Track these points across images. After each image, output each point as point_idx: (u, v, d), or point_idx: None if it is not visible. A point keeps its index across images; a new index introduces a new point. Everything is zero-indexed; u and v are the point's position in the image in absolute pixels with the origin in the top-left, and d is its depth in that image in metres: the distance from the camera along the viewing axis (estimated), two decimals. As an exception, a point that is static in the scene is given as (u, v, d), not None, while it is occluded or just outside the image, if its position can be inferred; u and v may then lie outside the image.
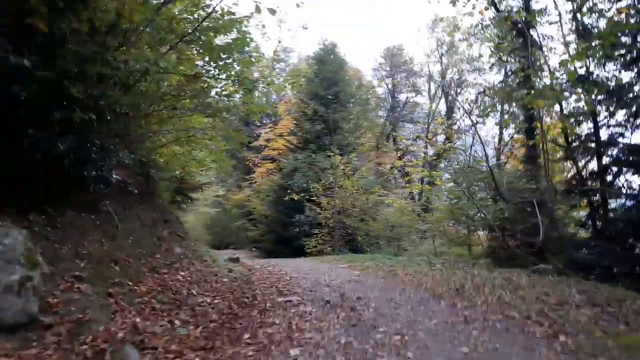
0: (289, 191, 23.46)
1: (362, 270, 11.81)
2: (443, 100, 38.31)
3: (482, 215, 16.68)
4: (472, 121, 21.45)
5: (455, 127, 31.97)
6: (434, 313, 6.27)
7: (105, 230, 5.95)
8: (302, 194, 22.98)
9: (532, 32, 15.83)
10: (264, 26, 11.61)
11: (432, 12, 47.23)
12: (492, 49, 19.37)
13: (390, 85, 38.61)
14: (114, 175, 6.14)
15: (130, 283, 5.23)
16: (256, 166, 34.77)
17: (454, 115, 36.57)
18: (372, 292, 8.12)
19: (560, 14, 14.85)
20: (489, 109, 19.25)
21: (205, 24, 8.67)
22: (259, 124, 39.69)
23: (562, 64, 12.75)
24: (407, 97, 39.55)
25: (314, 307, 6.81)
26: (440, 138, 36.02)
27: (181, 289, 6.02)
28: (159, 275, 6.04)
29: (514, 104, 18.35)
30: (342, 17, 68.24)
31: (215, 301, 6.21)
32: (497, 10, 17.35)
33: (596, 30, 13.87)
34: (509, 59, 18.17)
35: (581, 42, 13.21)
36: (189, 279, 6.71)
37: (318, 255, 21.65)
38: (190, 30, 8.50)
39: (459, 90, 37.22)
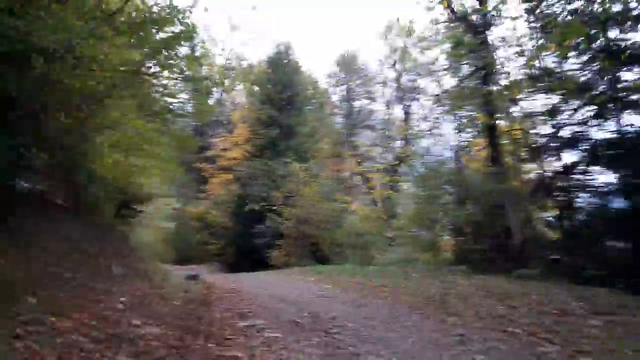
0: (247, 201, 22.44)
1: (332, 284, 11.00)
2: (399, 106, 38.22)
3: (447, 219, 16.31)
4: (430, 124, 21.29)
5: (413, 131, 32.00)
6: (423, 333, 5.52)
7: (12, 251, 4.78)
8: (262, 204, 22.00)
9: (488, 32, 15.68)
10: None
11: (386, 17, 47.29)
12: (449, 52, 19.12)
13: (345, 92, 38.19)
14: (21, 183, 4.96)
15: (50, 318, 4.18)
16: (212, 177, 33.48)
17: (410, 120, 36.55)
18: (347, 309, 7.32)
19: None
20: (445, 113, 18.99)
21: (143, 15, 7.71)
22: (211, 134, 38.46)
23: (531, 58, 12.52)
24: (362, 104, 39.27)
25: (282, 331, 5.93)
26: (398, 144, 35.98)
27: (120, 319, 4.97)
28: (91, 304, 4.96)
29: (470, 106, 18.12)
30: (296, 21, 67.86)
31: (164, 331, 5.23)
32: (453, 12, 17.07)
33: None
34: (465, 60, 17.91)
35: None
36: (131, 305, 5.67)
37: (283, 267, 20.72)
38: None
39: (414, 95, 37.26)
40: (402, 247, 19.60)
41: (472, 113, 21.33)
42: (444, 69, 20.95)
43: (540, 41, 13.55)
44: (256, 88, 27.10)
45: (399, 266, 14.80)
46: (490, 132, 16.64)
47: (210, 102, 11.07)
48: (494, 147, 16.31)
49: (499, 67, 15.35)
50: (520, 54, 14.47)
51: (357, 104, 38.81)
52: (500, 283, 8.44)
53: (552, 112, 13.24)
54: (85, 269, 5.71)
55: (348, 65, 38.37)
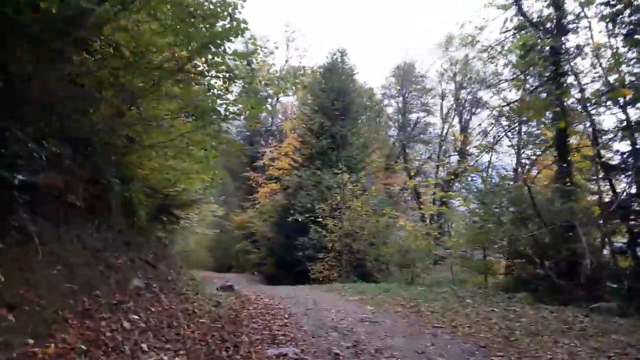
0: (292, 211, 21.56)
1: (377, 305, 9.84)
2: (456, 120, 36.61)
3: (506, 240, 14.82)
4: (491, 139, 19.77)
5: (473, 146, 30.31)
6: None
7: (16, 257, 3.99)
8: (306, 215, 21.08)
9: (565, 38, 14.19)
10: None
11: (445, 29, 45.73)
12: (516, 61, 17.65)
13: (400, 104, 36.91)
14: (19, 177, 4.20)
15: (30, 340, 3.33)
16: (260, 186, 32.97)
17: (468, 135, 34.83)
18: (393, 340, 6.19)
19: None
20: (508, 127, 17.48)
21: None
22: (262, 143, 38.07)
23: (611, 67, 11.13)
24: (418, 117, 37.81)
25: (317, 364, 4.90)
26: (454, 159, 34.35)
27: (124, 342, 4.07)
28: (92, 323, 4.08)
29: (538, 119, 16.57)
30: (350, 30, 67.30)
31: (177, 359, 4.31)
32: (525, 16, 15.66)
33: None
34: (535, 70, 16.41)
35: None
36: (144, 324, 4.78)
37: (323, 282, 19.65)
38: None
39: (473, 110, 35.62)
40: (451, 267, 18.11)
41: (537, 128, 19.76)
42: (510, 79, 19.46)
43: (622, 50, 12.08)
44: (309, 96, 26.20)
45: (450, 289, 13.43)
46: (561, 147, 15.07)
47: (260, 103, 10.20)
48: (563, 164, 14.76)
49: (573, 77, 13.84)
50: (598, 64, 12.99)
51: (412, 116, 37.46)
52: (574, 317, 7.05)
53: (632, 127, 11.66)
54: (97, 280, 4.88)
55: (405, 76, 37.15)
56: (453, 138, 36.01)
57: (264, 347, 5.61)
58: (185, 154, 10.04)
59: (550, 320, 7.10)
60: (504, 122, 19.85)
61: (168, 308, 6.13)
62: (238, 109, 9.49)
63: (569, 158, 14.63)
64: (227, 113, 9.66)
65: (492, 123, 22.47)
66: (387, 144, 34.13)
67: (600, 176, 13.65)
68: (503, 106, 16.39)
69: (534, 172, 21.94)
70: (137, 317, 4.93)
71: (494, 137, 19.80)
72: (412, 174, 31.68)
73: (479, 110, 35.63)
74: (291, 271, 22.40)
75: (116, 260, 5.94)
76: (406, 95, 37.11)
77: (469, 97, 33.60)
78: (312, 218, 20.91)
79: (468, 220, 17.10)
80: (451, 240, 17.82)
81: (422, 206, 30.13)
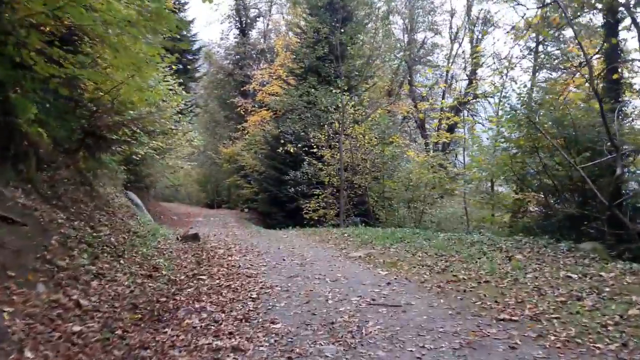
0: (282, 141, 18.26)
1: (391, 266, 6.84)
2: (467, 40, 32.47)
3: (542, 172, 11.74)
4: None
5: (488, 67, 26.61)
6: None
7: None
8: (299, 145, 17.82)
9: None
10: None
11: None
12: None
13: (407, 20, 32.39)
14: None
15: None
16: (249, 114, 29.33)
17: (479, 57, 30.91)
18: (438, 354, 3.21)
19: None
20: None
21: None
22: (254, 68, 34.02)
23: None
24: (425, 37, 33.48)
25: None
26: (463, 84, 30.70)
27: None
28: None
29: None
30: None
31: None
32: None
33: None
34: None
35: None
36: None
37: (320, 222, 16.78)
38: None
39: (486, 28, 31.43)
40: (466, 204, 15.12)
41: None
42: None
43: None
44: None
45: (484, 235, 10.49)
46: (612, 55, 11.61)
47: None
48: (612, 78, 11.39)
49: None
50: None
51: (418, 36, 33.13)
52: None
53: None
54: None
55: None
56: (463, 60, 32.18)
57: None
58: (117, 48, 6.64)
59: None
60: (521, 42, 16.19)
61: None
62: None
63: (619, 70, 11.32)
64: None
65: (511, 38, 18.72)
66: (391, 65, 30.13)
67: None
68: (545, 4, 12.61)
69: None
70: None
71: (508, 58, 16.20)
72: (419, 99, 27.90)
73: (492, 28, 31.62)
74: (283, 208, 19.52)
75: None
76: (413, 12, 32.63)
77: (482, 12, 29.30)
78: (306, 149, 17.69)
79: (489, 149, 13.86)
80: (471, 171, 14.66)
81: (429, 134, 26.84)
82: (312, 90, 16.48)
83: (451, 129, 26.61)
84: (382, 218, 16.91)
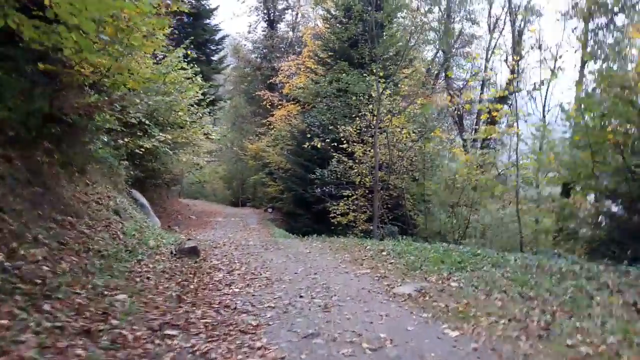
0: (309, 135, 15.93)
1: (461, 317, 4.34)
2: (508, 28, 29.56)
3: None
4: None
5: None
6: None
7: None
8: (327, 140, 15.45)
9: None
10: None
11: None
12: None
13: (443, 8, 29.58)
14: None
15: None
16: (275, 108, 27.15)
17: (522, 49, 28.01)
18: None
19: None
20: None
21: None
22: (278, 55, 31.80)
23: None
24: (462, 27, 30.62)
25: None
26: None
27: None
28: None
29: None
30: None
31: None
32: None
33: None
34: None
35: None
36: None
37: (348, 229, 14.42)
38: None
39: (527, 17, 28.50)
40: (538, 213, 12.41)
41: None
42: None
43: None
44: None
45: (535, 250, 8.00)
46: None
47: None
48: None
49: None
50: None
51: (455, 27, 30.35)
52: None
53: None
54: None
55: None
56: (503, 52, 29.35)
57: None
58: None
59: None
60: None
61: None
62: None
63: None
64: None
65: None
66: (426, 56, 27.41)
67: None
68: None
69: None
70: None
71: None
72: (457, 93, 25.16)
73: (534, 17, 28.72)
74: (310, 210, 17.25)
75: None
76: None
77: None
78: (335, 144, 15.31)
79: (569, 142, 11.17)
80: (528, 169, 12.02)
81: (468, 130, 24.14)
82: (343, 75, 14.02)
83: (492, 124, 23.85)
84: (421, 225, 14.47)
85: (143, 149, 12.07)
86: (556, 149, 10.77)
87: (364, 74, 14.36)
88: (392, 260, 7.26)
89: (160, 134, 13.23)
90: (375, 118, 13.96)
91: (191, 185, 34.39)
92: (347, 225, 14.87)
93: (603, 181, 9.36)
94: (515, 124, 13.55)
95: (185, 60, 13.90)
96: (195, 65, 14.75)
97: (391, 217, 14.61)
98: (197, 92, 15.04)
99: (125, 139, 11.71)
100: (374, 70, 13.37)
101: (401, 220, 14.43)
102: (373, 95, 14.26)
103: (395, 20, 17.48)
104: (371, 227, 14.25)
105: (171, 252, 7.52)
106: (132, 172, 12.98)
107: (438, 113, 28.05)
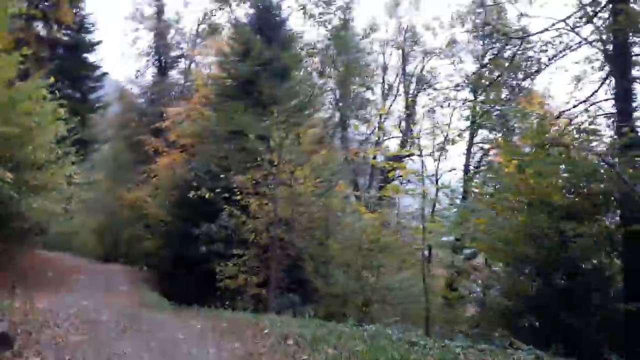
0: (195, 184, 13.32)
1: None
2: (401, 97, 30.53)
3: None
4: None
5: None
6: None
7: None
8: (217, 190, 12.97)
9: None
10: None
11: None
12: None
13: (340, 70, 29.35)
14: None
15: None
16: (160, 155, 23.97)
17: (414, 115, 28.83)
18: None
19: None
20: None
21: None
22: (168, 101, 29.01)
23: None
24: (356, 89, 30.84)
25: None
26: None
27: None
28: None
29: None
30: None
31: None
32: None
33: None
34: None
35: None
36: None
37: (237, 296, 11.87)
38: None
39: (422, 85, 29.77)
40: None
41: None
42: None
43: None
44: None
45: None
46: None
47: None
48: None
49: None
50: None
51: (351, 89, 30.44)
52: None
53: None
54: None
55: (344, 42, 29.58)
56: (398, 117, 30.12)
57: None
58: None
59: None
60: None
61: None
62: None
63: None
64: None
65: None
66: (324, 113, 26.60)
67: None
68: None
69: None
70: None
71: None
72: (358, 149, 24.50)
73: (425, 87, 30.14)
74: (192, 271, 14.30)
75: None
76: (344, 63, 29.91)
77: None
78: (227, 195, 12.87)
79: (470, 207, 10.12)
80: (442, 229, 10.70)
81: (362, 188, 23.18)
82: (237, 114, 11.85)
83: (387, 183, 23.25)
84: (321, 291, 12.38)
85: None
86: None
87: (264, 118, 12.37)
88: (305, 358, 4.93)
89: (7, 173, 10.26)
90: (275, 168, 11.90)
91: (59, 236, 29.34)
92: (235, 290, 12.32)
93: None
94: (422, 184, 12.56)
95: (51, 91, 12.09)
96: (63, 99, 13.03)
97: (289, 282, 12.33)
98: (57, 128, 12.93)
99: None
100: (275, 113, 11.40)
101: (302, 285, 12.22)
102: (272, 143, 12.29)
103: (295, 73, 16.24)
104: (264, 292, 11.88)
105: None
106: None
107: (340, 168, 27.17)
